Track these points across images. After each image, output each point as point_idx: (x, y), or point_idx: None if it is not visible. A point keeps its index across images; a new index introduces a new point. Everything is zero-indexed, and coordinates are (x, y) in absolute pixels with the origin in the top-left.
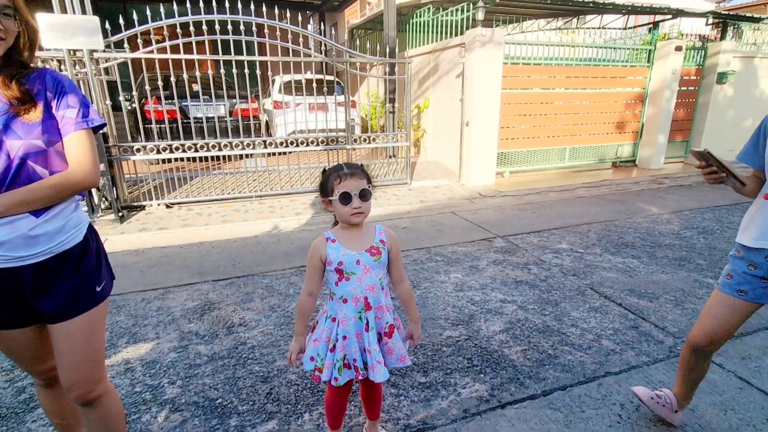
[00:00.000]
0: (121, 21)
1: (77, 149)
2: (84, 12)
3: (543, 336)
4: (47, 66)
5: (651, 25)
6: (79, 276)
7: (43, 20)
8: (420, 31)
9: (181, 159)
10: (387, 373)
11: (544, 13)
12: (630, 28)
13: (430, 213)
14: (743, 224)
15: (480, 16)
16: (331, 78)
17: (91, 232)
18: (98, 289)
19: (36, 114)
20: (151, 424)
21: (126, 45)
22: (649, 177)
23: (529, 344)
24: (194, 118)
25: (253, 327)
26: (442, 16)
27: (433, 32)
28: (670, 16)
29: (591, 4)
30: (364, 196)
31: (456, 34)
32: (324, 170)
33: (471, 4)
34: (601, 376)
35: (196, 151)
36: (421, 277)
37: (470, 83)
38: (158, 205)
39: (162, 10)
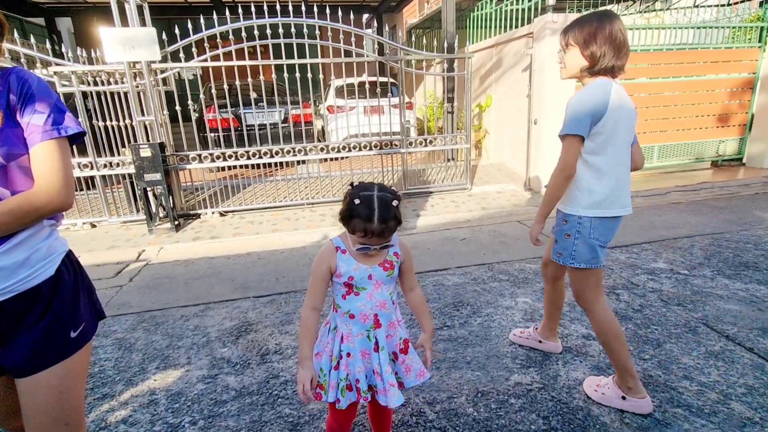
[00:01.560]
0: (182, 31)
1: (44, 164)
2: (144, 24)
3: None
4: (18, 66)
5: (760, 0)
6: (49, 319)
7: (105, 35)
8: (481, 26)
9: (236, 167)
10: (402, 397)
11: None
12: (730, 4)
13: (493, 222)
14: None
15: (550, 1)
16: (386, 80)
17: (68, 263)
18: (73, 335)
19: None
20: None
21: (182, 55)
22: (763, 178)
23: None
24: (249, 125)
25: (289, 356)
26: (506, 5)
27: (495, 24)
28: None
29: None
30: (383, 248)
31: (522, 24)
32: (350, 194)
33: None
34: None
35: (250, 158)
36: (482, 300)
37: (539, 77)
38: (212, 213)
39: (215, 17)
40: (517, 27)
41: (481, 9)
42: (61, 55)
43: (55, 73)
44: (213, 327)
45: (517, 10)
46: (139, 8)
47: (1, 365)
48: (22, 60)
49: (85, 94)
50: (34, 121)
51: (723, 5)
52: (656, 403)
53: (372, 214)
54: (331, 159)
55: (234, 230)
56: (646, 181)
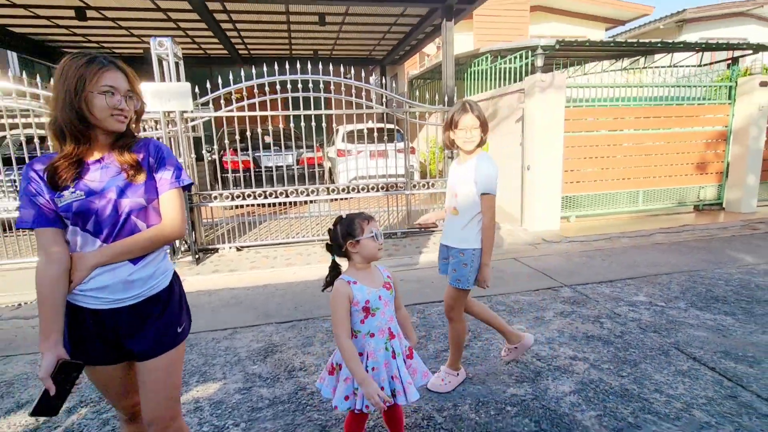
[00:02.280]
0: (208, 84)
1: (169, 206)
2: (179, 79)
3: (621, 401)
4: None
5: (729, 61)
6: (165, 318)
7: (146, 89)
8: (478, 79)
9: (252, 204)
10: (417, 393)
11: (608, 54)
12: (705, 65)
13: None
14: None
15: (539, 62)
16: (391, 126)
17: (175, 278)
18: (179, 330)
19: (141, 176)
20: None
21: (210, 105)
22: (740, 222)
23: (605, 409)
24: (265, 167)
25: (313, 372)
26: (501, 63)
27: (491, 79)
28: (750, 52)
29: (659, 45)
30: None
31: (515, 81)
32: (340, 219)
33: (530, 52)
34: None
35: (266, 197)
36: (482, 327)
37: (530, 128)
38: (230, 248)
39: (243, 73)
40: (510, 83)
41: (479, 65)
42: None
43: None
44: (242, 348)
45: (511, 68)
46: (176, 64)
47: (130, 351)
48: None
49: None
50: (164, 176)
51: (699, 65)
52: (630, 410)
53: (360, 213)
54: (340, 198)
55: (251, 264)
56: (632, 223)
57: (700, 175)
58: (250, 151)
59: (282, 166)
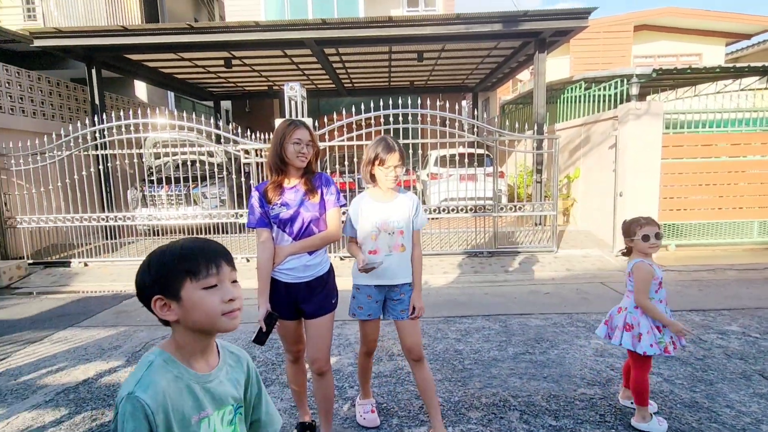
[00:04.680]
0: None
1: (332, 218)
2: (303, 114)
3: (688, 410)
4: None
5: None
6: (325, 291)
7: (278, 124)
8: (571, 104)
9: None
10: None
11: (721, 76)
12: None
13: (577, 281)
14: None
15: (634, 91)
16: (481, 151)
17: (331, 267)
18: (333, 301)
19: (316, 198)
20: (339, 411)
21: (326, 134)
22: None
23: (671, 415)
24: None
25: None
26: (594, 91)
27: (584, 105)
28: None
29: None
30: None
31: (609, 107)
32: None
33: (625, 80)
34: None
35: None
36: (560, 338)
37: (623, 155)
38: (335, 257)
39: (344, 107)
40: (604, 109)
41: (571, 92)
42: (236, 134)
43: (243, 149)
44: (351, 336)
45: (604, 95)
46: (302, 102)
47: (303, 311)
48: (212, 137)
49: (232, 163)
50: (330, 198)
51: None
52: (695, 418)
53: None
54: (431, 218)
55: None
56: (744, 255)
57: None
58: (355, 174)
59: None
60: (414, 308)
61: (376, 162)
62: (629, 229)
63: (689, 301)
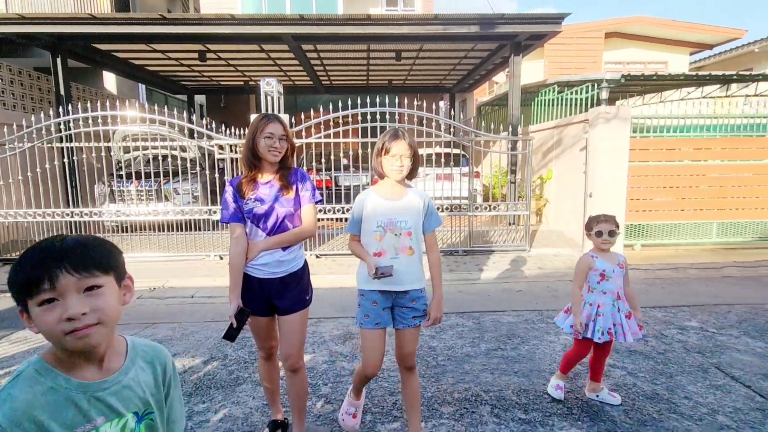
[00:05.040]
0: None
1: (307, 214)
2: (280, 110)
3: (650, 401)
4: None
5: None
6: (299, 287)
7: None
8: (545, 107)
9: (330, 219)
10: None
11: (685, 83)
12: None
13: (548, 280)
14: None
15: (604, 95)
16: (457, 151)
17: (305, 263)
18: (307, 297)
19: (291, 193)
20: (312, 408)
21: (303, 131)
22: None
23: (633, 406)
24: (344, 186)
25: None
26: (567, 94)
27: (557, 108)
28: None
29: (735, 77)
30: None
31: (581, 111)
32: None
33: (596, 84)
34: None
35: (344, 213)
36: (530, 335)
37: (593, 157)
38: (310, 255)
39: (322, 103)
40: (576, 113)
41: (545, 95)
42: (209, 128)
43: (217, 145)
44: (326, 333)
45: (577, 99)
46: (278, 98)
47: (276, 307)
48: (185, 132)
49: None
50: (305, 194)
51: None
52: (656, 408)
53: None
54: None
55: (328, 270)
56: (704, 255)
57: None
58: (332, 172)
59: (358, 185)
60: (430, 317)
61: (383, 152)
62: (589, 224)
63: (653, 298)
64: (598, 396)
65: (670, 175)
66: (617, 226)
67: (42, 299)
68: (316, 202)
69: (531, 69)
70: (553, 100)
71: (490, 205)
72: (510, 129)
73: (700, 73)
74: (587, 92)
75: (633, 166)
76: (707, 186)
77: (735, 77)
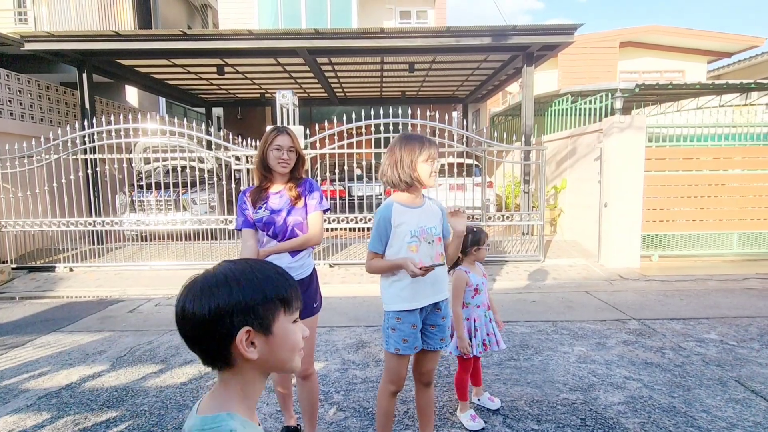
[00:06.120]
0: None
1: (314, 222)
2: (295, 122)
3: (666, 415)
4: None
5: None
6: (309, 293)
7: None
8: (558, 117)
9: (344, 228)
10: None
11: (702, 92)
12: None
13: (562, 290)
14: None
15: (618, 105)
16: (470, 162)
17: (314, 270)
18: (315, 305)
19: (301, 203)
20: (324, 415)
21: (318, 142)
22: None
23: (649, 419)
24: (357, 196)
25: None
26: (581, 104)
27: (571, 118)
28: None
29: (753, 85)
30: None
31: (594, 121)
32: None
33: (609, 94)
34: None
35: (357, 222)
36: (544, 345)
37: (608, 167)
38: (324, 264)
39: (335, 115)
40: (590, 122)
41: (559, 105)
42: (226, 140)
43: (234, 156)
44: (339, 342)
45: (591, 108)
46: (294, 110)
47: None
48: (203, 143)
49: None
50: (312, 203)
51: None
52: (673, 422)
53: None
54: None
55: (341, 279)
56: (725, 266)
57: None
58: (346, 182)
59: (371, 195)
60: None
61: (420, 159)
62: (482, 239)
63: (671, 310)
64: (479, 400)
65: (688, 185)
66: (486, 236)
67: (295, 317)
68: (324, 211)
69: (545, 79)
70: (566, 109)
71: (503, 215)
72: (523, 139)
73: (718, 81)
74: (601, 102)
75: (649, 176)
76: (728, 196)
77: (753, 85)
